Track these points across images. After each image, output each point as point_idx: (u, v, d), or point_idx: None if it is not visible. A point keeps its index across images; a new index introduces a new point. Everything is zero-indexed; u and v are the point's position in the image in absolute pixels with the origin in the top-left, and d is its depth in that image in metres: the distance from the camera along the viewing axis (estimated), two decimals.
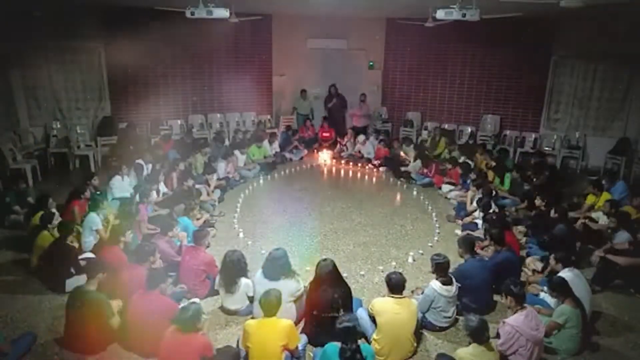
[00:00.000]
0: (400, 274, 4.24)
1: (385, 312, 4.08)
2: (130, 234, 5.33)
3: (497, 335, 4.02)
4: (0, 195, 7.02)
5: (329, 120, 11.95)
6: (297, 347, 3.88)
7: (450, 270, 4.85)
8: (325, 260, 4.44)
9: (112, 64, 10.35)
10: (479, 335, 3.59)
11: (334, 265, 4.38)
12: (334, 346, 3.57)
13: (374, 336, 4.12)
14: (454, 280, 4.62)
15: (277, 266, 4.53)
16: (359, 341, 3.61)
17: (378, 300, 4.22)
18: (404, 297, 4.18)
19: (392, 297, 4.15)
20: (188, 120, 11.43)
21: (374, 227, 7.16)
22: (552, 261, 4.87)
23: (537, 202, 6.80)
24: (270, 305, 3.84)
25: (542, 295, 4.86)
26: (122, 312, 4.30)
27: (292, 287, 4.51)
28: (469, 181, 8.14)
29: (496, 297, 5.02)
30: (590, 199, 7.18)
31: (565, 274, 4.58)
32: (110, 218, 6.16)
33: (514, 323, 3.87)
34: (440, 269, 4.54)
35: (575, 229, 6.22)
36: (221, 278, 4.79)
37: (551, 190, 7.32)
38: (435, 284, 4.52)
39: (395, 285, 4.14)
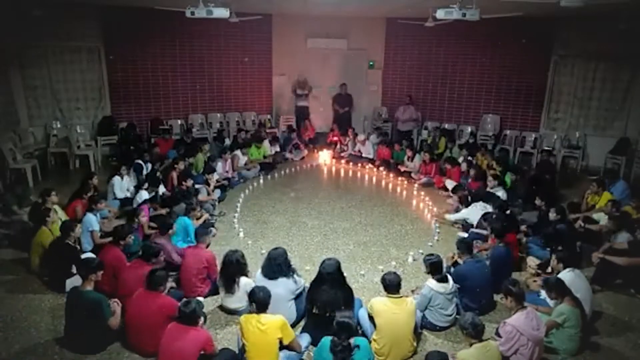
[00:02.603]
0: (395, 273, 4.25)
1: (383, 312, 4.09)
2: (131, 237, 5.33)
3: (498, 335, 4.02)
4: (1, 196, 7.02)
5: (335, 119, 12.04)
6: (294, 341, 3.89)
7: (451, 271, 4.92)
8: (330, 259, 4.45)
9: (112, 63, 10.36)
10: (477, 330, 3.60)
11: (339, 266, 4.39)
12: (328, 339, 3.60)
13: (374, 336, 4.13)
14: (449, 277, 4.64)
15: (275, 265, 4.55)
16: (361, 338, 3.63)
17: (376, 300, 4.22)
18: (401, 296, 4.19)
19: (390, 297, 4.16)
20: (188, 120, 11.44)
21: (374, 227, 7.16)
22: (553, 261, 4.87)
23: (537, 202, 6.80)
24: (258, 302, 3.85)
25: (543, 295, 4.86)
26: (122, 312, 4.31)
27: (290, 286, 4.52)
28: (469, 180, 8.14)
29: (496, 298, 5.03)
30: (592, 199, 7.16)
31: (567, 274, 4.58)
32: (111, 218, 6.18)
33: (515, 323, 3.87)
34: (434, 267, 4.59)
35: (575, 228, 6.23)
36: (221, 278, 4.80)
37: (551, 190, 7.34)
38: (431, 282, 4.56)
39: (391, 285, 4.16)
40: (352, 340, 3.57)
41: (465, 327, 3.65)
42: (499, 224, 5.56)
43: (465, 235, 6.53)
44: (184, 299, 3.85)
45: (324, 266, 4.35)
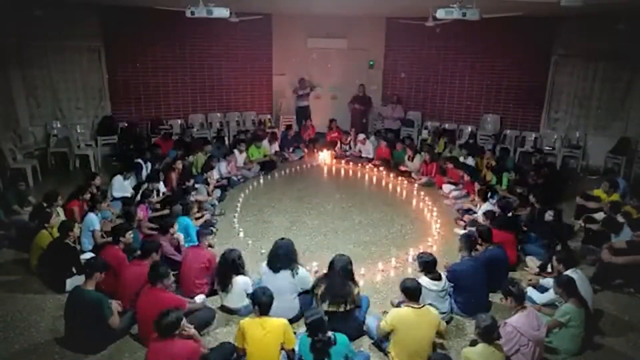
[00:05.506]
0: (416, 281, 4.09)
1: (404, 325, 3.90)
2: (131, 235, 5.33)
3: (498, 336, 4.01)
4: (1, 195, 7.02)
5: (352, 119, 12.09)
6: (293, 350, 3.86)
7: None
8: (342, 255, 4.50)
9: (112, 63, 10.36)
10: (490, 335, 3.59)
11: (349, 262, 4.43)
12: (305, 338, 3.61)
13: (389, 348, 4.03)
14: (442, 275, 4.65)
15: (277, 256, 4.60)
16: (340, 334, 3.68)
17: (397, 312, 4.01)
18: (422, 305, 4.01)
19: (411, 307, 3.97)
20: (188, 120, 11.43)
21: (374, 227, 7.15)
22: (554, 262, 4.87)
23: (531, 199, 6.77)
24: (261, 304, 3.84)
25: (529, 291, 4.84)
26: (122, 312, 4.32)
27: (291, 280, 4.53)
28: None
29: (492, 298, 5.02)
30: (601, 195, 7.14)
31: (572, 274, 4.57)
32: (113, 219, 6.17)
33: (516, 324, 3.87)
34: (428, 266, 4.60)
35: (564, 224, 6.28)
36: (217, 276, 4.81)
37: (548, 189, 7.33)
38: (423, 280, 4.53)
39: (412, 293, 3.98)
40: (330, 334, 3.58)
41: (478, 327, 3.62)
42: (484, 228, 5.49)
43: (464, 231, 6.55)
44: (161, 311, 3.64)
45: (335, 261, 4.41)
